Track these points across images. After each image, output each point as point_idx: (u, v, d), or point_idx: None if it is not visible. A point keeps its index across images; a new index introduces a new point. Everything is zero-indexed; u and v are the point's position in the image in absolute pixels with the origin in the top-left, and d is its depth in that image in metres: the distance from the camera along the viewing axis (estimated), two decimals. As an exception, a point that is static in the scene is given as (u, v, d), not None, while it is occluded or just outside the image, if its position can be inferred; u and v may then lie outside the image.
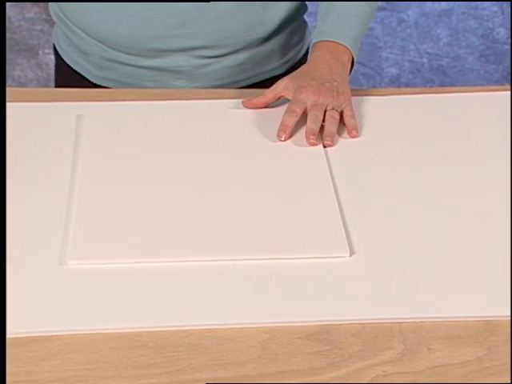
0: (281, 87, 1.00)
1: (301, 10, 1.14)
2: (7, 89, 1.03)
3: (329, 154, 0.94)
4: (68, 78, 1.17)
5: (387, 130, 0.99)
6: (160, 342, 0.70)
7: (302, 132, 0.97)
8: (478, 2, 2.34)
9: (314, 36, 1.04)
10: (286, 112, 0.96)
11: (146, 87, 1.11)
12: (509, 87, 1.08)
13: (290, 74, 1.01)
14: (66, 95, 1.06)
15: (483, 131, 1.00)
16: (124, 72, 1.11)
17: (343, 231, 0.82)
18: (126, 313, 0.73)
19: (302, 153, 0.94)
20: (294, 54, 1.17)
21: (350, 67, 1.03)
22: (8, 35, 2.33)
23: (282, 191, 0.87)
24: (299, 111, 0.96)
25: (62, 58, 1.18)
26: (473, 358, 0.70)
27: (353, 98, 1.05)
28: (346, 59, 1.01)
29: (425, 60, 2.36)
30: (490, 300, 0.75)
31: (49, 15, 2.35)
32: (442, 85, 2.34)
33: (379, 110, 1.03)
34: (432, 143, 0.97)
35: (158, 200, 0.86)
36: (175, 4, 1.02)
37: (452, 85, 2.31)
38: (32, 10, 2.35)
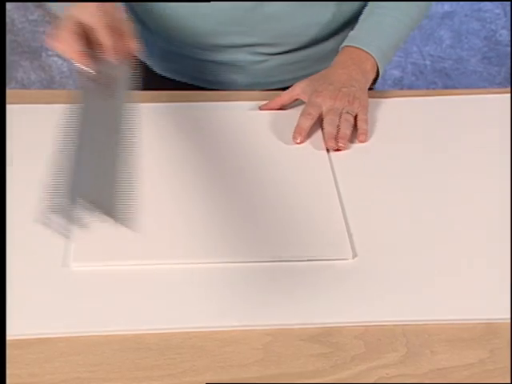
0: (298, 90, 1.00)
1: (359, 11, 1.13)
2: (10, 91, 1.03)
3: (332, 157, 0.94)
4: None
5: (390, 133, 0.99)
6: (163, 344, 0.70)
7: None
8: (481, 4, 2.34)
9: (345, 40, 1.04)
10: (302, 115, 0.96)
11: (207, 80, 1.13)
12: (509, 90, 1.08)
13: (308, 78, 1.01)
14: (69, 97, 1.06)
15: (486, 134, 1.00)
16: (186, 64, 1.13)
17: (346, 234, 0.82)
18: (128, 315, 0.73)
19: (305, 156, 0.94)
20: None
21: (372, 76, 1.02)
22: (11, 37, 2.33)
23: (285, 194, 0.87)
24: (315, 114, 0.96)
25: None
26: (475, 360, 0.70)
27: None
28: (369, 67, 1.01)
29: (428, 62, 2.36)
30: (492, 303, 0.75)
31: (52, 18, 2.35)
32: (445, 87, 2.33)
33: (382, 113, 1.03)
34: (435, 146, 0.97)
35: (163, 202, 0.86)
36: (233, 1, 1.03)
37: (455, 87, 2.31)
38: (35, 12, 2.35)
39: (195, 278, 0.77)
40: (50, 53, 2.32)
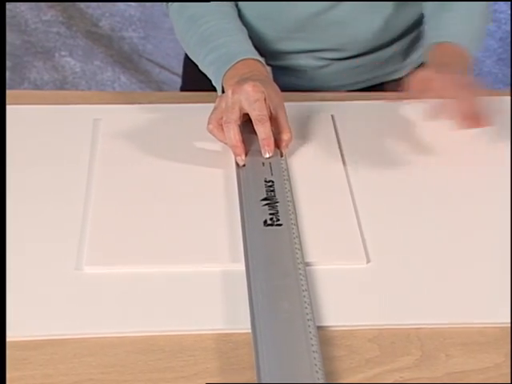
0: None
1: (420, 15, 1.12)
2: (22, 91, 1.03)
3: (346, 162, 0.93)
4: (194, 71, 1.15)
5: (408, 134, 0.99)
6: (176, 346, 0.70)
7: (315, 135, 0.97)
8: (496, 6, 2.32)
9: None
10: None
11: None
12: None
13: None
14: (82, 98, 1.07)
15: (501, 136, 0.99)
16: None
17: (360, 239, 0.82)
18: (142, 317, 0.73)
19: (318, 160, 0.94)
20: (415, 58, 1.16)
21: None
22: (24, 37, 2.34)
23: (299, 199, 0.87)
24: None
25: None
26: (491, 364, 0.70)
27: (374, 102, 1.05)
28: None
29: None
30: (508, 306, 0.74)
31: (65, 17, 2.36)
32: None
33: (395, 116, 1.03)
34: (451, 150, 0.96)
35: (175, 206, 0.86)
36: (297, 7, 1.03)
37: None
38: (49, 12, 2.36)
39: (209, 280, 0.77)
40: (62, 53, 2.33)
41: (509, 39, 2.34)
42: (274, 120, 0.89)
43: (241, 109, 0.87)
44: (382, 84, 1.15)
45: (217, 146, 0.94)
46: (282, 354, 0.67)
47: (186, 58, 1.18)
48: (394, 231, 0.84)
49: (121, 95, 1.10)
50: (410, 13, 1.08)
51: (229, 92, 0.88)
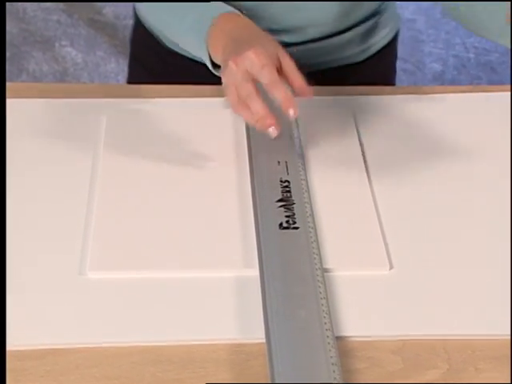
0: None
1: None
2: (21, 84, 1.04)
3: (368, 163, 0.93)
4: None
5: (431, 133, 0.99)
6: (185, 357, 0.71)
7: (335, 132, 0.98)
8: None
9: None
10: None
11: None
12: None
13: None
14: (86, 91, 1.07)
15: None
16: None
17: (382, 244, 0.82)
18: (148, 325, 0.74)
19: (339, 162, 0.94)
20: (374, 43, 1.19)
21: None
22: (22, 26, 2.35)
23: (317, 199, 0.88)
24: None
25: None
26: (523, 378, 0.70)
27: (391, 97, 1.05)
28: None
29: (471, 55, 2.35)
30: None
31: (66, 5, 2.38)
32: (491, 82, 2.32)
33: (420, 110, 1.03)
34: (481, 149, 0.96)
35: (184, 207, 0.87)
36: None
37: (501, 82, 2.30)
38: (48, -1, 2.37)
39: (220, 286, 0.77)
40: (63, 43, 2.34)
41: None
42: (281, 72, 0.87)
43: (252, 79, 0.85)
44: (339, 67, 1.16)
45: (229, 143, 0.95)
46: (298, 366, 0.67)
47: None
48: (419, 235, 0.84)
49: (127, 88, 1.11)
50: (370, 3, 1.11)
51: (232, 66, 0.86)
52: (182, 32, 0.97)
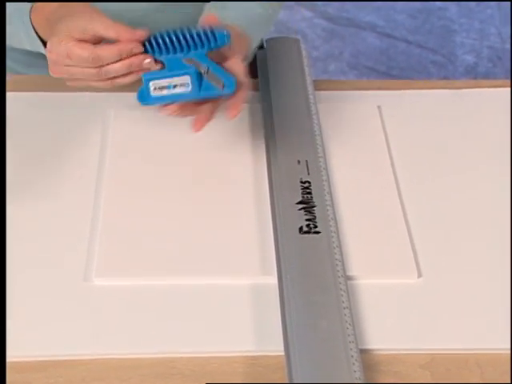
0: None
1: None
2: (23, 76, 1.05)
3: (396, 168, 0.92)
4: None
5: (462, 131, 0.99)
6: (198, 370, 0.71)
7: (359, 130, 0.97)
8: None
9: None
10: None
11: None
12: None
13: None
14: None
15: None
16: None
17: (410, 250, 0.82)
18: (159, 336, 0.74)
19: (361, 157, 0.94)
20: None
21: None
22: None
23: (340, 202, 0.88)
24: None
25: None
26: (562, 396, 0.69)
27: (421, 91, 1.04)
28: None
29: (507, 46, 2.34)
30: None
31: None
32: (528, 75, 2.31)
33: (451, 106, 1.03)
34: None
35: (196, 209, 0.87)
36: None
37: (539, 75, 2.29)
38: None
39: (236, 295, 0.77)
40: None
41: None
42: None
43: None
44: None
45: (246, 140, 0.95)
46: (319, 381, 0.67)
47: None
48: (449, 242, 0.84)
49: (135, 81, 1.10)
50: None
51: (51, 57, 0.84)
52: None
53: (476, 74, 2.33)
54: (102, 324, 0.74)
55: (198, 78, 0.82)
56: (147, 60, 0.83)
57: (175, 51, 0.83)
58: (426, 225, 0.85)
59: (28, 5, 0.90)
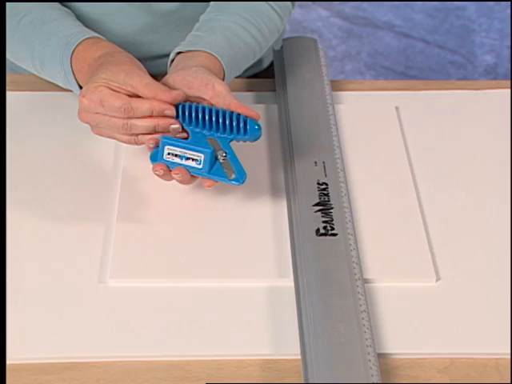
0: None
1: None
2: (24, 75, 1.05)
3: (414, 169, 0.93)
4: None
5: (482, 133, 0.99)
6: (214, 374, 0.71)
7: (377, 131, 0.97)
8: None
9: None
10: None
11: None
12: None
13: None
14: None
15: None
16: None
17: (429, 253, 0.82)
18: (174, 339, 0.74)
19: (380, 158, 0.94)
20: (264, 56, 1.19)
21: None
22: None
23: (357, 204, 0.88)
24: None
25: None
26: None
27: (438, 92, 1.05)
28: None
29: (528, 46, 2.33)
30: None
31: None
32: (549, 76, 2.30)
33: (470, 107, 1.03)
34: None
35: (212, 211, 0.87)
36: (147, 7, 1.04)
37: (561, 76, 2.28)
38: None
39: (252, 297, 0.78)
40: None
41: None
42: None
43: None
44: None
45: (262, 141, 0.95)
46: (336, 385, 0.67)
47: None
48: (468, 245, 0.84)
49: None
50: None
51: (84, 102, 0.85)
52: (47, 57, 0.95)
53: (496, 75, 2.32)
54: (116, 326, 0.75)
55: (212, 159, 0.83)
56: (175, 125, 0.84)
57: (203, 127, 0.84)
58: (444, 227, 0.86)
59: (69, 47, 0.92)
